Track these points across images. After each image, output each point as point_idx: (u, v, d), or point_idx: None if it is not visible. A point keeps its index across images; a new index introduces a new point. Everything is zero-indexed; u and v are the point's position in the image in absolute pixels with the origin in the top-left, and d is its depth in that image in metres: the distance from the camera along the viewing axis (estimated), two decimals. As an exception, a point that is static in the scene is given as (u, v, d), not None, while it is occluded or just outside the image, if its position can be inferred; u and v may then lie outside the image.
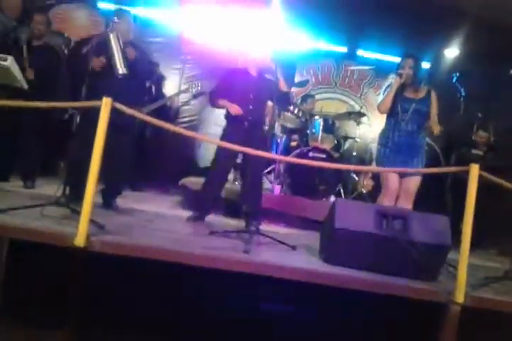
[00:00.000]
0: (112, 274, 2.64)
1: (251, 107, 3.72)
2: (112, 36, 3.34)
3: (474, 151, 5.29)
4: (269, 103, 3.94)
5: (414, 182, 3.59)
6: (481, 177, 2.79)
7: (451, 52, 5.92)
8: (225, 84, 3.90)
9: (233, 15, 5.96)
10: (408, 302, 2.66)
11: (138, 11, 5.95)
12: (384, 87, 6.27)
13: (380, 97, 6.40)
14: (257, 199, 3.79)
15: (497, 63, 5.60)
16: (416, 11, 5.08)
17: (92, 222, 2.54)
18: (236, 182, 4.86)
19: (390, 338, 2.90)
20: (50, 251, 2.45)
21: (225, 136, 3.84)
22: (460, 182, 3.64)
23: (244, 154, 3.76)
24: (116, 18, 3.39)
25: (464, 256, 2.63)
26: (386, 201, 3.59)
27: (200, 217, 3.79)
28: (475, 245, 4.13)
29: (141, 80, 3.88)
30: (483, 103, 5.36)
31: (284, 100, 4.15)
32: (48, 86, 3.95)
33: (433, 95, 3.70)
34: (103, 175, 2.95)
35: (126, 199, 3.93)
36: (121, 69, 3.36)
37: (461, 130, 4.16)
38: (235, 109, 3.72)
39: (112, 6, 5.92)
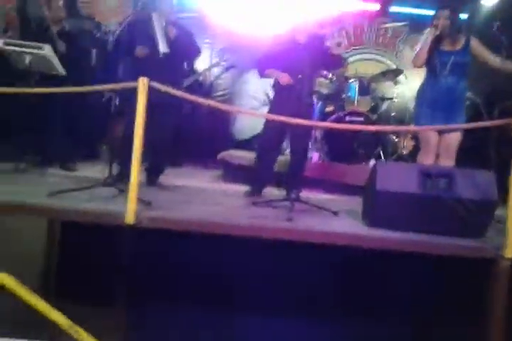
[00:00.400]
0: (161, 251, 2.74)
1: (300, 76, 3.60)
2: (154, 16, 3.39)
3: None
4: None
5: (454, 139, 3.47)
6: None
7: (490, 0, 5.58)
8: (273, 52, 3.79)
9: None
10: (458, 260, 2.64)
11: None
12: (420, 41, 6.06)
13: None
14: (300, 168, 3.78)
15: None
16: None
17: (138, 200, 2.63)
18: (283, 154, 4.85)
19: (441, 298, 2.89)
20: (99, 231, 2.58)
21: (274, 107, 3.82)
22: (504, 137, 3.51)
23: (291, 126, 3.73)
24: None
25: (511, 210, 2.57)
26: (426, 159, 3.49)
27: (257, 192, 3.80)
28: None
29: (181, 58, 3.90)
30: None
31: (336, 63, 4.08)
32: (76, 70, 4.03)
33: (473, 42, 3.50)
34: (146, 154, 3.04)
35: (168, 176, 4.04)
36: (163, 48, 3.40)
37: (505, 82, 3.94)
38: (285, 79, 3.62)
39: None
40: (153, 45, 3.43)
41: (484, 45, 3.54)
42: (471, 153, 3.81)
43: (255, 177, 3.90)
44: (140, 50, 3.49)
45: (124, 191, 2.84)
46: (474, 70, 3.64)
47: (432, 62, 3.50)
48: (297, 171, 3.74)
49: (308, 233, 2.67)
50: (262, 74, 3.93)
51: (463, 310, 2.70)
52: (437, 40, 3.50)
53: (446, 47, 3.52)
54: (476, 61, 3.54)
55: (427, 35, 3.47)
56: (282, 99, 3.73)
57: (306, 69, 3.61)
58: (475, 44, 3.50)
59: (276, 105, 3.83)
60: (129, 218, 2.53)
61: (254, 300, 2.66)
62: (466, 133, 3.55)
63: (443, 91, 3.49)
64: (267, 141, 3.83)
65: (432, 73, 3.55)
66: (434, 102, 3.51)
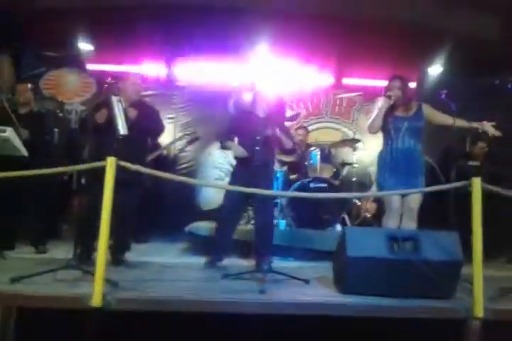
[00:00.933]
0: (131, 334, 2.61)
1: (257, 148, 3.77)
2: (113, 100, 3.48)
3: (471, 163, 5.36)
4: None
5: (416, 201, 3.60)
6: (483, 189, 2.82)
7: (436, 69, 6.11)
8: (233, 125, 4.01)
9: (221, 60, 6.19)
10: (429, 322, 2.63)
11: (127, 68, 6.18)
12: (374, 110, 6.45)
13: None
14: (269, 237, 3.81)
15: (480, 75, 5.77)
16: (396, 35, 5.27)
17: (105, 280, 2.54)
18: (249, 224, 4.88)
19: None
20: (63, 317, 2.44)
21: (234, 178, 3.93)
22: (461, 195, 3.68)
23: (254, 195, 3.80)
24: (110, 78, 3.54)
25: (477, 269, 2.63)
26: (391, 222, 3.58)
27: (216, 262, 3.79)
28: (484, 256, 4.13)
29: (144, 136, 3.95)
30: (474, 115, 5.48)
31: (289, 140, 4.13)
32: (39, 150, 4.05)
33: (425, 107, 3.74)
34: (111, 232, 2.98)
35: (133, 253, 3.94)
36: (122, 130, 3.47)
37: (456, 144, 4.21)
38: (239, 152, 3.82)
39: (101, 67, 6.18)
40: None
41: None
42: (431, 213, 3.94)
43: (214, 247, 3.90)
44: (99, 115, 3.51)
45: (88, 272, 2.75)
46: (427, 135, 3.87)
47: (387, 128, 3.70)
48: (266, 241, 3.75)
49: (283, 305, 2.61)
50: (222, 146, 4.11)
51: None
52: (391, 108, 3.71)
53: (400, 113, 3.74)
54: (429, 125, 3.77)
55: (382, 104, 3.69)
56: (241, 171, 3.86)
57: (264, 141, 3.79)
58: (426, 108, 3.74)
59: (236, 176, 3.94)
60: (96, 300, 2.41)
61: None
62: (426, 194, 3.70)
63: (401, 156, 3.66)
64: (228, 210, 3.87)
65: (388, 138, 3.73)
66: (394, 166, 3.66)
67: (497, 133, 3.63)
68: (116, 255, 3.65)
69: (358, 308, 2.65)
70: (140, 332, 2.65)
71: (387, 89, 3.76)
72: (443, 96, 3.74)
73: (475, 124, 3.65)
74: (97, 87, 6.30)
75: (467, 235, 2.85)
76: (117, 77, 3.77)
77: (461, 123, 3.62)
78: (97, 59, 6.12)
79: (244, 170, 3.79)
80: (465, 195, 3.03)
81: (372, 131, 3.76)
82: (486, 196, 2.93)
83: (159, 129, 4.03)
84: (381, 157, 3.80)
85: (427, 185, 3.70)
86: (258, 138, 3.77)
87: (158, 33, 5.47)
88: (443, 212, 4.37)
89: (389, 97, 3.67)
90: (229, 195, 3.87)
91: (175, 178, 3.17)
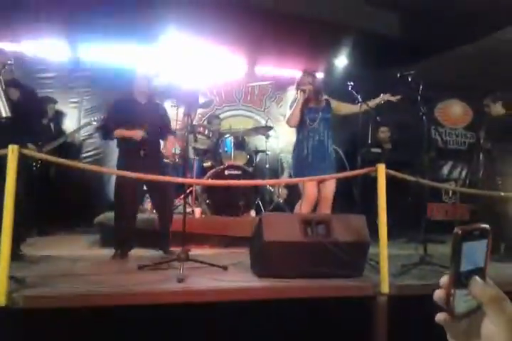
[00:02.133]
0: (41, 330, 2.44)
1: (145, 136, 3.71)
2: None
3: (373, 150, 5.73)
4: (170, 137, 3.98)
5: (331, 189, 3.82)
6: (387, 174, 3.03)
7: (341, 61, 6.39)
8: (116, 115, 3.84)
9: (127, 44, 5.92)
10: (340, 301, 2.80)
11: (22, 47, 5.68)
12: (287, 100, 6.61)
13: (283, 109, 6.74)
14: (168, 225, 3.84)
15: (383, 68, 6.15)
16: (307, 28, 5.42)
17: (10, 277, 2.35)
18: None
19: (327, 339, 3.00)
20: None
21: (122, 166, 3.74)
22: (366, 181, 3.94)
23: (148, 183, 3.73)
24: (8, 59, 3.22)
25: (383, 249, 2.84)
26: (306, 207, 3.75)
27: (124, 253, 3.68)
28: (388, 236, 4.48)
29: (30, 120, 3.68)
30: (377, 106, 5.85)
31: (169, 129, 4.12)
32: None
33: (332, 101, 4.02)
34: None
35: (38, 246, 3.69)
36: (4, 112, 3.19)
37: (360, 132, 4.48)
38: (137, 133, 3.68)
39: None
40: None
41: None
42: (340, 197, 4.17)
43: (118, 239, 3.78)
44: None
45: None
46: (334, 124, 4.09)
47: (302, 119, 3.86)
48: (165, 226, 3.79)
49: (202, 292, 2.61)
50: (108, 137, 3.95)
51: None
52: (304, 101, 3.89)
53: (313, 105, 3.91)
54: (337, 115, 4.00)
55: (298, 98, 3.83)
56: (129, 159, 3.73)
57: (151, 129, 3.74)
58: (332, 101, 4.00)
59: (123, 164, 3.75)
60: (1, 299, 2.23)
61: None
62: (337, 183, 3.91)
63: (316, 145, 3.84)
64: (122, 199, 3.76)
65: (304, 129, 3.89)
66: (310, 154, 3.82)
67: (396, 98, 4.01)
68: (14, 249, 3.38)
69: (274, 290, 2.73)
70: (52, 331, 2.49)
71: (300, 83, 3.92)
72: (349, 87, 3.97)
73: (377, 100, 3.95)
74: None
75: (373, 218, 3.08)
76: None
77: (366, 105, 3.91)
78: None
79: (131, 159, 3.70)
80: (369, 181, 3.25)
81: (291, 124, 3.89)
82: (389, 182, 3.16)
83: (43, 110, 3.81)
84: (298, 146, 3.93)
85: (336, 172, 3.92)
86: (146, 125, 3.73)
87: (60, 10, 5.07)
88: (351, 197, 4.67)
89: (303, 91, 3.83)
90: (120, 183, 3.74)
91: (82, 166, 3.01)
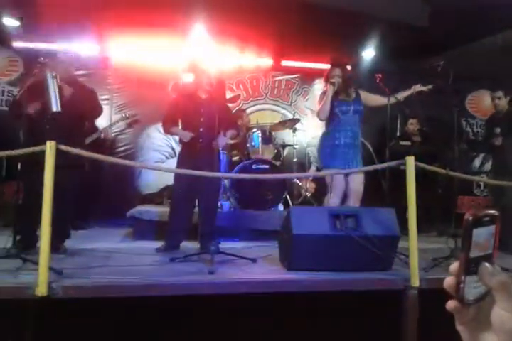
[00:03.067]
0: (81, 322, 2.55)
1: (201, 130, 3.76)
2: (48, 76, 3.30)
3: (402, 143, 5.67)
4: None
5: (359, 181, 3.82)
6: (416, 167, 3.01)
7: (370, 54, 6.32)
8: (175, 109, 3.93)
9: (158, 40, 6.01)
10: (370, 294, 2.80)
11: (58, 46, 5.83)
12: (314, 94, 6.59)
13: (310, 103, 6.72)
14: (213, 219, 3.80)
15: (412, 60, 6.05)
16: (332, 19, 5.37)
17: (49, 269, 2.46)
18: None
19: (358, 331, 3.01)
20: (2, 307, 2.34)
21: (181, 161, 3.86)
22: (395, 174, 3.92)
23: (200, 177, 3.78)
24: (42, 58, 3.34)
25: (413, 242, 2.83)
26: (335, 200, 3.76)
27: (173, 248, 3.75)
28: (418, 229, 4.43)
29: (81, 117, 3.80)
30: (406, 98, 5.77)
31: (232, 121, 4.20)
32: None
33: (361, 92, 4.00)
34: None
35: (73, 240, 3.82)
36: (55, 106, 3.31)
37: (388, 125, 4.45)
38: (187, 136, 3.76)
39: (29, 45, 5.79)
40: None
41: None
42: (369, 191, 4.15)
43: (170, 232, 3.84)
44: (30, 107, 3.35)
45: (30, 261, 2.65)
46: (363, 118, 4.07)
47: (332, 112, 3.86)
48: (210, 223, 3.75)
49: (232, 284, 2.66)
50: (167, 132, 4.08)
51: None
52: (334, 94, 3.89)
53: (343, 97, 3.91)
54: (366, 107, 3.97)
55: (328, 91, 3.83)
56: (187, 154, 3.83)
57: (208, 123, 3.77)
58: (362, 93, 3.99)
59: (182, 159, 3.88)
60: (41, 289, 2.34)
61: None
62: (366, 176, 3.90)
63: (349, 136, 3.84)
64: (180, 193, 3.82)
65: (335, 121, 3.88)
66: (342, 146, 3.82)
67: (427, 87, 3.92)
68: (55, 243, 3.51)
69: (304, 283, 2.76)
70: (89, 320, 2.60)
71: (329, 76, 3.90)
72: (377, 80, 3.93)
73: (407, 92, 3.90)
74: (25, 66, 5.92)
75: (402, 211, 3.06)
76: (48, 55, 3.59)
77: (394, 98, 3.85)
78: (24, 36, 5.72)
79: (190, 153, 3.77)
80: (398, 174, 3.23)
81: (322, 117, 3.89)
82: (419, 175, 3.14)
83: (96, 110, 3.89)
84: (329, 137, 3.92)
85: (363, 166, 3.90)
86: (202, 119, 3.77)
87: (91, 10, 5.19)
88: (380, 191, 4.64)
89: (332, 84, 3.82)
90: (178, 179, 3.82)
91: (117, 161, 3.10)
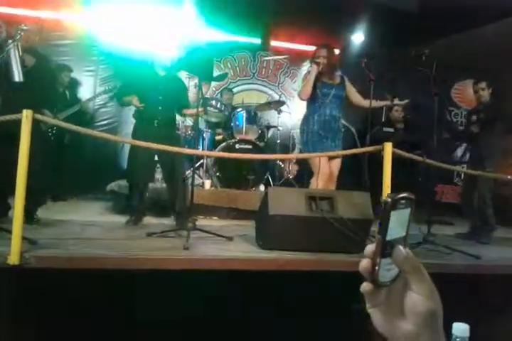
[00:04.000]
0: (53, 292, 2.57)
1: (160, 108, 3.78)
2: (11, 46, 3.22)
3: (386, 129, 5.71)
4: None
5: (337, 165, 3.85)
6: (394, 153, 3.05)
7: (358, 38, 6.28)
8: (133, 83, 3.92)
9: (144, 14, 5.88)
10: (341, 274, 2.86)
11: (41, 13, 5.68)
12: (301, 76, 6.56)
13: (297, 84, 6.69)
14: (182, 195, 3.85)
15: (399, 46, 6.04)
16: (322, 2, 5.32)
17: (23, 238, 2.46)
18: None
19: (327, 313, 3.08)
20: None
21: (136, 136, 3.81)
22: (375, 159, 3.96)
23: (160, 154, 3.79)
24: (24, 25, 3.27)
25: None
26: (321, 183, 3.78)
27: (137, 220, 3.79)
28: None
29: (44, 86, 3.75)
30: (391, 84, 5.78)
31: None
32: None
33: (346, 80, 3.99)
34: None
35: (50, 211, 3.81)
36: (17, 76, 3.26)
37: (372, 111, 4.47)
38: (136, 102, 3.75)
39: (13, 10, 5.62)
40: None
41: (354, 80, 4.03)
42: (348, 174, 4.20)
43: (132, 206, 3.91)
44: None
45: (3, 229, 2.64)
46: (347, 102, 4.08)
47: (315, 93, 3.84)
48: (179, 199, 3.81)
49: (207, 261, 2.70)
50: (120, 102, 4.11)
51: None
52: (318, 75, 3.85)
53: (326, 80, 3.89)
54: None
55: (311, 71, 3.80)
56: (143, 129, 3.82)
57: (166, 101, 3.79)
58: (347, 82, 3.95)
59: (137, 134, 3.82)
60: (13, 258, 2.34)
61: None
62: (344, 158, 3.94)
63: (327, 120, 3.84)
64: (135, 167, 3.85)
65: (316, 103, 3.88)
66: (320, 129, 3.83)
67: (404, 102, 4.16)
68: (28, 212, 3.49)
69: (276, 262, 2.81)
70: (61, 292, 2.61)
71: (314, 56, 3.87)
72: (363, 64, 3.93)
73: (383, 103, 4.03)
74: (7, 31, 5.75)
75: (379, 196, 3.11)
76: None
77: (374, 104, 3.93)
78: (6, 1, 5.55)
79: (146, 129, 3.78)
80: (378, 159, 3.27)
81: (303, 97, 3.87)
82: (399, 162, 3.19)
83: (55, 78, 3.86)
84: (307, 121, 3.93)
85: (345, 150, 3.93)
86: (160, 97, 3.78)
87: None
88: (358, 174, 4.70)
89: (317, 64, 3.79)
90: (132, 152, 3.85)
91: (94, 134, 3.07)
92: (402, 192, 0.56)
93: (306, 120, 3.95)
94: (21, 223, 2.40)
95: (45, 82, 3.75)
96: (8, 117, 2.48)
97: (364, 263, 0.56)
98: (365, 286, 0.57)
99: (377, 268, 0.55)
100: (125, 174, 4.42)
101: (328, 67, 3.84)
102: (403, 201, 0.55)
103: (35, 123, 2.52)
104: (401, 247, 0.56)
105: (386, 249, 0.55)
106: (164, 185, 4.32)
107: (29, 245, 2.58)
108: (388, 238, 0.55)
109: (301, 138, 4.05)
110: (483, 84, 4.36)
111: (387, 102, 4.09)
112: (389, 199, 0.55)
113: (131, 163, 3.90)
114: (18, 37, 3.31)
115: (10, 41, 3.23)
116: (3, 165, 2.56)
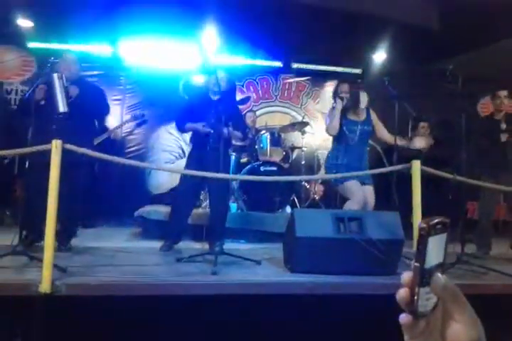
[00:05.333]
0: (84, 320, 2.58)
1: (211, 131, 3.80)
2: (55, 77, 3.36)
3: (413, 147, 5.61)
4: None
5: (371, 194, 3.81)
6: (423, 171, 2.99)
7: (380, 56, 6.28)
8: (188, 109, 4.02)
9: (167, 42, 6.07)
10: (374, 298, 2.78)
11: (70, 46, 5.92)
12: (324, 97, 6.59)
13: (320, 106, 6.71)
14: (222, 220, 3.81)
15: (421, 63, 6.02)
16: (342, 22, 5.37)
17: (54, 266, 2.50)
18: (201, 207, 4.91)
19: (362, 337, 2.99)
20: (7, 303, 2.38)
21: (190, 161, 3.93)
22: (404, 178, 3.89)
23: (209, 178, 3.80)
24: (53, 58, 3.41)
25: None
26: (356, 208, 3.69)
27: (171, 246, 3.81)
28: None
29: (88, 116, 3.84)
30: (415, 101, 5.72)
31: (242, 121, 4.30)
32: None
33: (372, 113, 3.96)
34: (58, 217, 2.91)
35: (80, 238, 3.87)
36: (62, 107, 3.36)
37: (398, 128, 4.42)
38: (201, 127, 3.80)
39: (43, 45, 5.88)
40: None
41: (379, 99, 4.00)
42: (378, 194, 4.13)
43: (169, 231, 3.92)
44: (38, 93, 3.39)
45: (35, 258, 2.69)
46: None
47: (341, 129, 3.82)
48: (219, 224, 3.76)
49: (235, 286, 2.67)
50: (183, 130, 4.10)
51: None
52: (342, 112, 3.83)
53: (351, 116, 3.88)
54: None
55: (337, 106, 3.79)
56: (197, 153, 3.88)
57: (218, 125, 3.79)
58: (373, 114, 3.95)
59: (192, 159, 3.94)
60: (45, 286, 2.37)
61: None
62: (373, 178, 3.88)
63: (355, 158, 3.80)
64: (183, 193, 3.88)
65: (343, 140, 3.84)
66: (347, 168, 3.75)
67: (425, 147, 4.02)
68: (62, 241, 3.57)
69: (306, 286, 2.76)
70: (92, 319, 2.62)
71: (337, 91, 3.89)
72: (386, 82, 3.91)
73: (405, 142, 3.98)
74: (38, 66, 6.02)
75: (409, 215, 3.04)
76: (56, 56, 3.66)
77: (398, 142, 3.85)
78: (38, 36, 5.81)
79: (200, 153, 3.82)
80: (407, 178, 3.22)
81: (332, 132, 3.85)
82: (429, 179, 3.12)
83: (103, 109, 3.95)
84: (335, 158, 3.88)
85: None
86: (213, 121, 3.80)
87: (103, 10, 5.24)
88: (388, 194, 4.62)
89: (341, 99, 3.79)
90: (184, 178, 3.87)
91: (123, 161, 3.13)
92: (437, 217, 0.54)
93: (332, 153, 3.92)
94: (52, 251, 2.43)
95: (94, 111, 3.84)
96: (38, 148, 2.55)
97: (402, 293, 0.54)
98: (404, 317, 0.54)
99: (416, 298, 0.53)
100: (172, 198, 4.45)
101: (351, 103, 3.83)
102: (439, 226, 0.54)
103: (72, 153, 2.59)
104: (439, 275, 0.54)
105: (424, 277, 0.53)
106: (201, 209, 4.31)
107: (60, 273, 2.61)
108: (426, 266, 0.53)
109: (327, 169, 4.01)
110: (504, 92, 4.28)
111: (408, 143, 4.00)
112: (424, 225, 0.53)
113: (181, 188, 3.92)
114: (53, 70, 3.45)
115: (53, 74, 3.36)
116: (41, 194, 2.62)
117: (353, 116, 3.88)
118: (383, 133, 3.95)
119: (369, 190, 3.80)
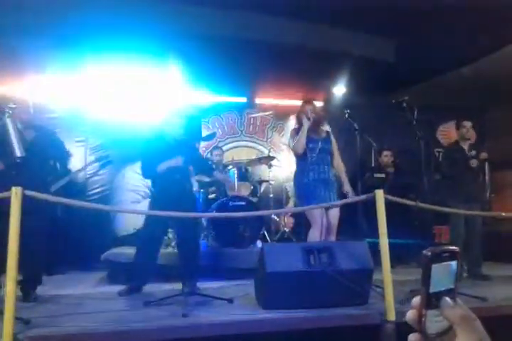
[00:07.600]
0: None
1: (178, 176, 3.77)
2: (7, 121, 3.31)
3: (376, 175, 5.76)
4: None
5: (335, 215, 3.84)
6: (387, 199, 3.05)
7: (340, 90, 6.50)
8: (152, 152, 3.86)
9: (131, 81, 6.09)
10: (347, 329, 2.76)
11: (29, 92, 5.86)
12: (289, 130, 6.71)
13: (285, 139, 6.83)
14: (192, 258, 3.75)
15: (379, 95, 6.26)
16: (304, 58, 5.57)
17: (16, 319, 2.38)
18: (171, 245, 4.82)
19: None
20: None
21: (155, 202, 3.87)
22: (370, 206, 3.96)
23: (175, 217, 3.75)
24: (12, 103, 3.38)
25: (386, 275, 2.82)
26: (317, 234, 3.73)
27: (137, 289, 3.69)
28: (397, 261, 4.44)
29: (43, 160, 3.79)
30: (376, 131, 5.91)
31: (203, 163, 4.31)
32: None
33: (332, 138, 4.09)
34: (19, 266, 2.79)
35: (45, 286, 3.71)
36: (18, 152, 3.31)
37: (361, 159, 4.53)
38: (179, 160, 3.70)
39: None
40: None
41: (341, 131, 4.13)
42: (344, 224, 4.17)
43: (134, 274, 3.79)
44: None
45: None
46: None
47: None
48: (189, 262, 3.69)
49: (206, 327, 2.60)
50: (154, 174, 3.86)
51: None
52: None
53: (313, 135, 3.98)
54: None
55: (304, 126, 3.90)
56: (162, 194, 3.80)
57: (182, 166, 3.79)
58: (333, 140, 4.09)
59: (157, 200, 3.86)
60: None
61: None
62: (341, 209, 3.93)
63: (318, 175, 3.89)
64: (148, 233, 3.80)
65: (304, 159, 3.93)
66: (312, 184, 3.84)
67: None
68: (26, 290, 3.41)
69: (279, 322, 2.71)
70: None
71: (302, 111, 3.99)
72: (346, 115, 4.05)
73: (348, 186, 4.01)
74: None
75: (376, 243, 3.07)
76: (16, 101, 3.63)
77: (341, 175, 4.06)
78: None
79: (164, 194, 3.75)
80: (372, 206, 3.27)
81: (299, 151, 3.93)
82: (395, 207, 3.18)
83: (61, 152, 3.90)
84: (299, 176, 3.97)
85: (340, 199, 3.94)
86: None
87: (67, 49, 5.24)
88: (355, 223, 4.68)
89: (308, 119, 3.90)
90: (148, 218, 3.80)
91: (85, 205, 3.07)
92: (444, 246, 0.58)
93: (297, 174, 4.00)
94: (13, 303, 2.32)
95: (45, 156, 3.79)
96: (-3, 195, 2.48)
97: (410, 314, 0.58)
98: (412, 337, 0.58)
99: (423, 319, 0.57)
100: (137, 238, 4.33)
101: (313, 122, 3.95)
102: (445, 254, 0.58)
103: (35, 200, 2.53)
104: (447, 299, 0.57)
105: (431, 300, 0.57)
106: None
107: (23, 325, 2.48)
108: (432, 290, 0.57)
109: (295, 192, 4.08)
110: (468, 123, 4.50)
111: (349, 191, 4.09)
112: (429, 253, 0.57)
113: (146, 228, 3.83)
114: (7, 115, 3.41)
115: (6, 119, 3.32)
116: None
117: (313, 134, 3.99)
118: (337, 161, 4.08)
119: (333, 212, 3.86)
